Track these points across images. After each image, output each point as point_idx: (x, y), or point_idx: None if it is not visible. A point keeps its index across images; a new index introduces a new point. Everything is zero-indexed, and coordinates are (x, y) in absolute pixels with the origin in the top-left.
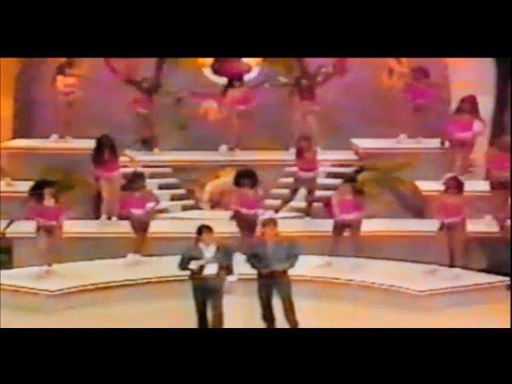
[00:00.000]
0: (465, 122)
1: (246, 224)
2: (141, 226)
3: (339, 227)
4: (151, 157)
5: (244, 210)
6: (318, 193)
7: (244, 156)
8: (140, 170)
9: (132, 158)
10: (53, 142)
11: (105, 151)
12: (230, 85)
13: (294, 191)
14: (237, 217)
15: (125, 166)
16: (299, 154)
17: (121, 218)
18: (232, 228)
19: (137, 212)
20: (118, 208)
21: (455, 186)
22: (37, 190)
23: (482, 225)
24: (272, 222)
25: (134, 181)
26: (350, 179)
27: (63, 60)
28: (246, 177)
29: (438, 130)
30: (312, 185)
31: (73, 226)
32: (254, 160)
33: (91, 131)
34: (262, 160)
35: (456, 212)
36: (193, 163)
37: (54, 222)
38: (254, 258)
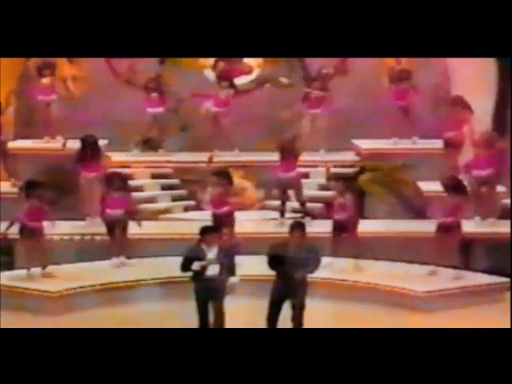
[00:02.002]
0: (453, 122)
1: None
2: (119, 227)
3: (336, 227)
4: (153, 157)
5: (211, 209)
6: (319, 194)
7: (245, 157)
8: (119, 170)
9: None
10: (50, 143)
11: (88, 151)
12: (218, 85)
13: (283, 193)
14: (212, 216)
15: (109, 167)
16: (281, 155)
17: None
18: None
19: (115, 213)
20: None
21: (451, 185)
22: (24, 190)
23: (483, 225)
24: (300, 226)
25: (112, 181)
26: (344, 179)
27: (40, 60)
28: (219, 176)
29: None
30: (295, 185)
31: (63, 227)
32: (255, 161)
33: (93, 132)
34: (263, 161)
35: (451, 212)
36: (194, 164)
37: (38, 223)
38: (276, 261)
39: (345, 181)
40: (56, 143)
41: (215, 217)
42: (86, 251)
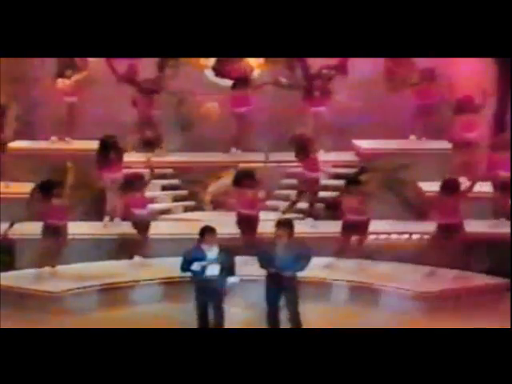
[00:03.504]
0: (465, 122)
1: (247, 225)
2: (142, 227)
3: (348, 228)
4: (154, 158)
5: (244, 211)
6: (320, 194)
7: (246, 157)
8: (139, 170)
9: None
10: (53, 144)
11: (110, 152)
12: (233, 86)
13: (301, 193)
14: (239, 218)
15: (129, 167)
16: (305, 154)
17: (124, 219)
18: (234, 229)
19: (139, 212)
20: (122, 209)
21: (451, 186)
22: (44, 190)
23: (483, 226)
24: (287, 224)
25: (134, 181)
26: (356, 181)
27: (64, 61)
28: (246, 177)
29: (442, 132)
30: (316, 186)
31: (76, 228)
32: (256, 161)
33: (92, 132)
34: (264, 161)
35: (453, 213)
36: (195, 164)
37: (61, 222)
38: (265, 259)
39: (354, 182)
40: (62, 144)
41: (246, 218)
42: (87, 252)
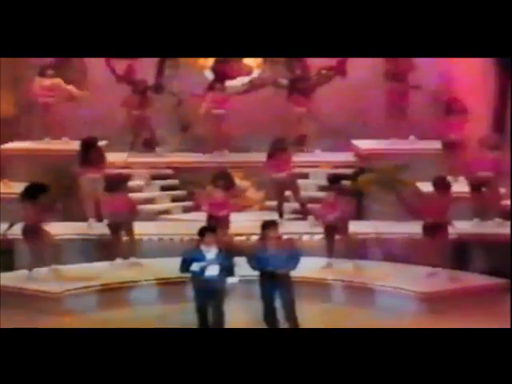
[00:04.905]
0: (453, 123)
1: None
2: (126, 228)
3: (326, 228)
4: (153, 158)
5: (212, 212)
6: (319, 195)
7: (245, 158)
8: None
9: (125, 160)
10: (50, 144)
11: (91, 152)
12: (210, 87)
13: (279, 193)
14: (208, 218)
15: (110, 167)
16: (271, 155)
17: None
18: (234, 229)
19: (117, 213)
20: (104, 209)
21: (441, 186)
22: (32, 193)
23: (483, 226)
24: (273, 225)
25: (119, 182)
26: (335, 180)
27: (47, 61)
28: (220, 179)
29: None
30: (291, 185)
31: (65, 228)
32: (254, 161)
33: (91, 132)
34: (262, 162)
35: (439, 212)
36: (194, 165)
37: (43, 224)
38: (255, 261)
39: (331, 182)
40: (56, 144)
41: (212, 219)
42: (86, 252)
